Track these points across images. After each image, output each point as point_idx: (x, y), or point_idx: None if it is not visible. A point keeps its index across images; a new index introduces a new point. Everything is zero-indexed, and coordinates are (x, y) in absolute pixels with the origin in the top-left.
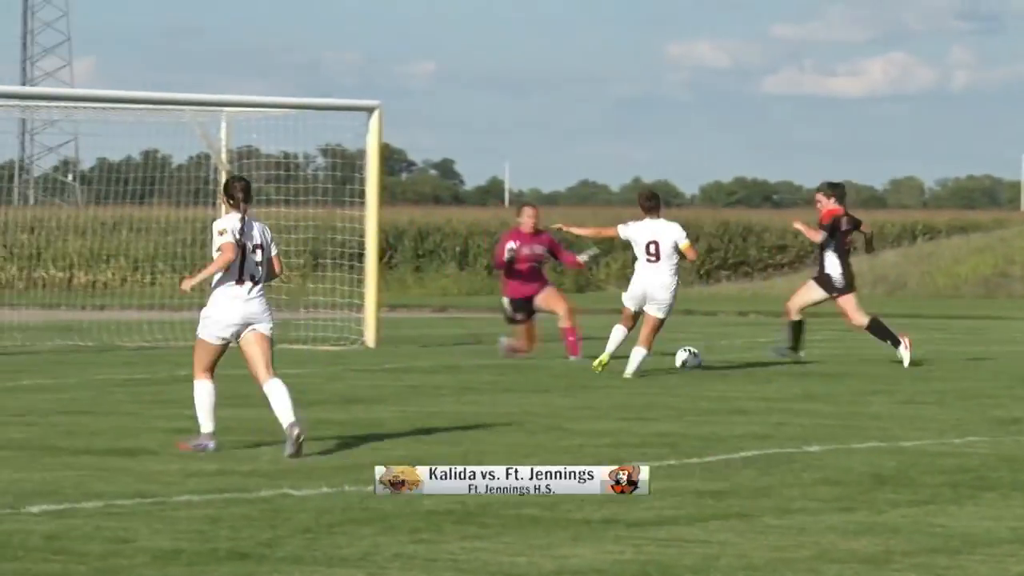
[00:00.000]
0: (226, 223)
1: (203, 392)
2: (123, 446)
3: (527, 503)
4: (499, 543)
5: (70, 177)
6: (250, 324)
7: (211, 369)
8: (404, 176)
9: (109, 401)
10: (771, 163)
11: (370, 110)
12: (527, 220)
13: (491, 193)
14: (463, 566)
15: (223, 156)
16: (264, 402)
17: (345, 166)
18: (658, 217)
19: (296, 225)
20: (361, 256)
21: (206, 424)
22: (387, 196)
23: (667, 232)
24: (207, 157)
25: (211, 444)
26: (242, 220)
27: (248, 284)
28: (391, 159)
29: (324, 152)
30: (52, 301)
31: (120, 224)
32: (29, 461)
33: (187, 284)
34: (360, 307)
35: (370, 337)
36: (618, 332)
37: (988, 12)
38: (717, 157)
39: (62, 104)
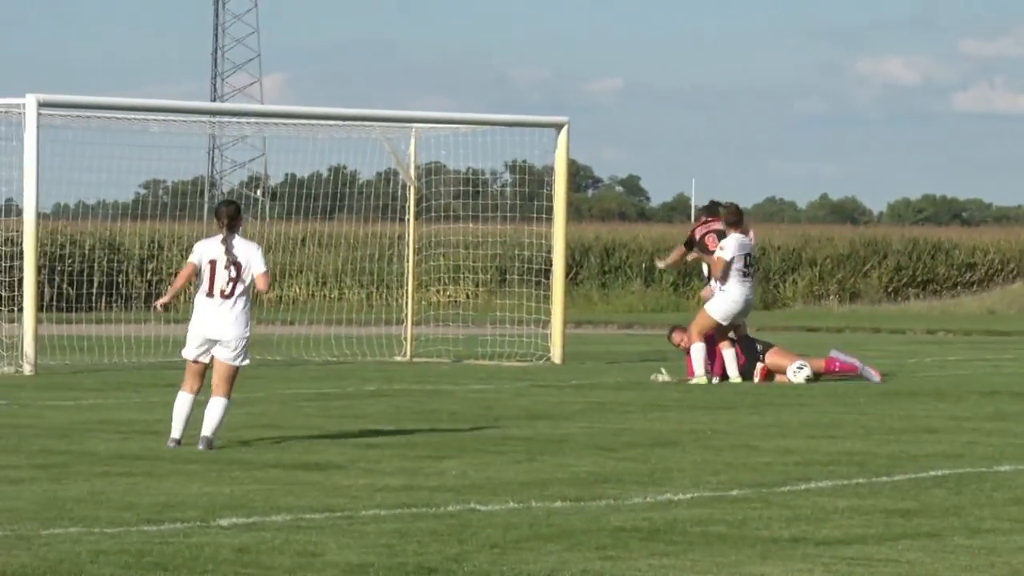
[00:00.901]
0: (200, 245)
1: (179, 402)
2: (312, 460)
3: (714, 520)
4: (686, 560)
5: (259, 192)
6: (218, 341)
7: (196, 384)
8: (590, 192)
9: (297, 415)
10: (960, 181)
11: (558, 126)
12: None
13: (677, 210)
14: None
15: (411, 172)
16: (445, 419)
17: (532, 182)
18: (746, 230)
19: (483, 241)
20: (547, 272)
21: (175, 430)
22: (573, 212)
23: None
24: (395, 173)
25: (170, 444)
26: (225, 242)
27: (217, 299)
28: (577, 175)
29: (511, 168)
30: None
31: (308, 239)
32: (218, 475)
33: (159, 303)
34: (546, 323)
35: (556, 353)
36: (729, 353)
37: None
38: (905, 174)
39: (251, 120)
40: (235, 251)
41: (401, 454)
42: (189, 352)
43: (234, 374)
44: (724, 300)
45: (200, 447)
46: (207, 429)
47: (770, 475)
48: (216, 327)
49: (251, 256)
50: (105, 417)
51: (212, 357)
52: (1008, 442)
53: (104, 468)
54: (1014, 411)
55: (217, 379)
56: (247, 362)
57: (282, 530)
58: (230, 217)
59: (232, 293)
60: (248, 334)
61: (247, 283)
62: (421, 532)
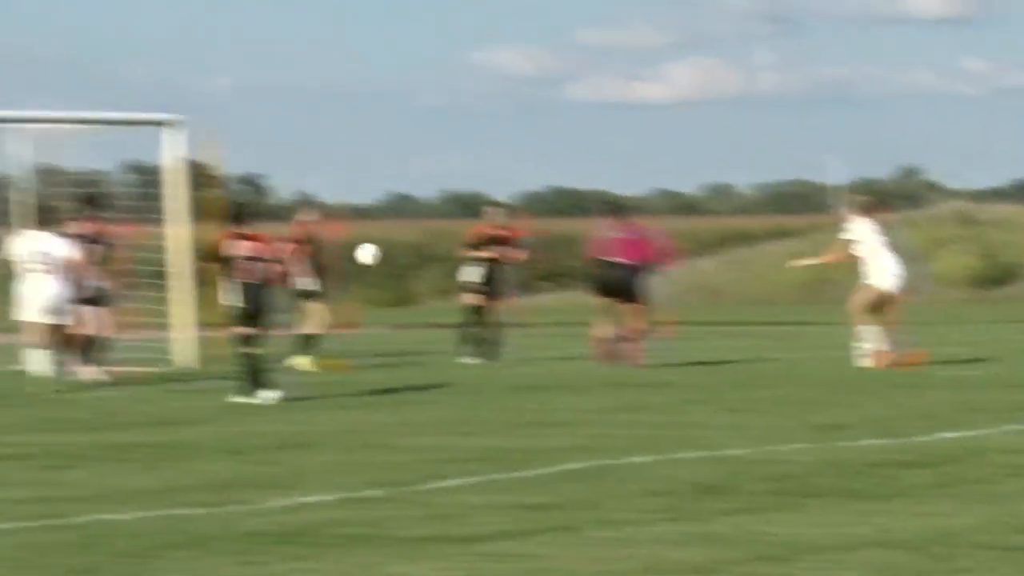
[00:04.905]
0: None
1: None
2: None
3: (350, 522)
4: (327, 563)
5: None
6: None
7: None
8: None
9: None
10: (583, 171)
11: (171, 124)
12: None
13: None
14: None
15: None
16: (77, 427)
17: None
18: None
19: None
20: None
21: None
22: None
23: None
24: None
25: None
26: None
27: None
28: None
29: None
30: None
31: None
32: None
33: None
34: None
35: (188, 357)
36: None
37: (787, 14)
38: (528, 166)
39: None
40: None
41: (24, 465)
42: None
43: None
44: None
45: None
46: None
47: (406, 473)
48: None
49: None
50: None
51: None
52: (638, 433)
53: None
54: (641, 403)
55: None
56: None
57: None
58: None
59: None
60: None
61: None
62: (48, 545)
